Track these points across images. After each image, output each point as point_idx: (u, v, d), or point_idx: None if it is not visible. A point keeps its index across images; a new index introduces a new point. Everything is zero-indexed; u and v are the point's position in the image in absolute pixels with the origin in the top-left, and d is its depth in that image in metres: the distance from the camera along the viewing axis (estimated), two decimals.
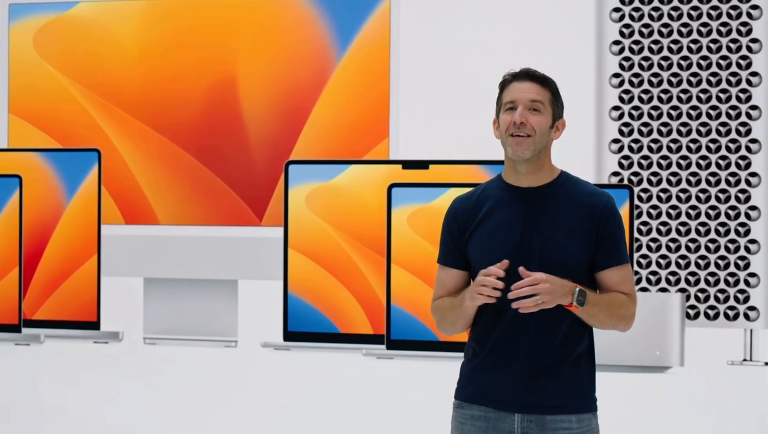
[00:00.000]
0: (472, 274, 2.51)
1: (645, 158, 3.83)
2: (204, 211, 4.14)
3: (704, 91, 3.79)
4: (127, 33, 4.18)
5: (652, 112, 3.82)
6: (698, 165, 3.79)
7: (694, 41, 3.80)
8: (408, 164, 3.74)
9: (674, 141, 3.82)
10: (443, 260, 2.55)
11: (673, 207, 3.81)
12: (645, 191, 3.83)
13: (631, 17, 3.83)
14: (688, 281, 3.78)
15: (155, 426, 4.66)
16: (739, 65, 3.76)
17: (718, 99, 3.78)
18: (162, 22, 4.17)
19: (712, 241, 3.78)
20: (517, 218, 2.46)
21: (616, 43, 3.85)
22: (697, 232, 3.79)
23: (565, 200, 2.46)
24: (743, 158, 3.77)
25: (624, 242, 2.49)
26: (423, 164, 3.73)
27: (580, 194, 2.48)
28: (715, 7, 3.78)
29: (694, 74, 3.80)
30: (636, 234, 3.81)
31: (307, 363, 4.34)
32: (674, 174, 3.81)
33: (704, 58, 3.78)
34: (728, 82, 3.77)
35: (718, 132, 3.79)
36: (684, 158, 3.81)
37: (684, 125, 3.81)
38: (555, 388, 2.43)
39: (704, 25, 3.79)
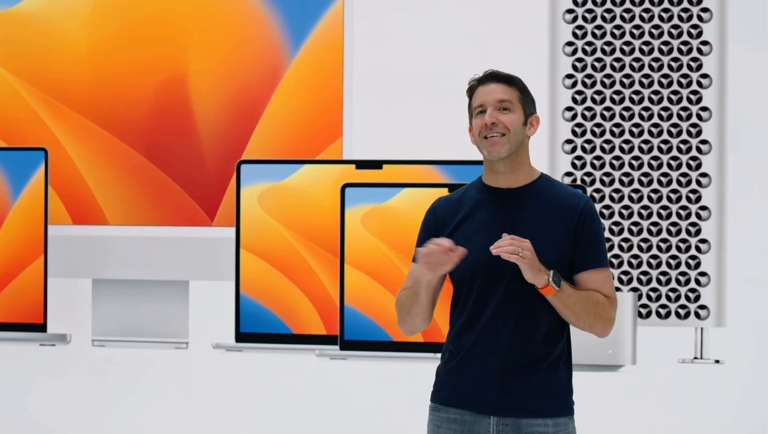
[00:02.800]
0: (451, 277, 2.53)
1: (598, 158, 3.90)
2: (154, 211, 4.13)
3: (656, 92, 3.87)
4: (74, 28, 4.16)
5: (605, 113, 3.89)
6: (650, 166, 3.87)
7: (646, 43, 3.88)
8: (361, 164, 3.77)
9: (626, 142, 3.89)
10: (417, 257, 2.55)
11: (626, 207, 3.88)
12: (598, 191, 3.90)
13: (584, 18, 3.90)
14: (640, 281, 3.86)
15: (104, 430, 4.64)
16: (690, 67, 3.85)
17: (670, 100, 3.86)
18: (111, 17, 4.15)
19: (664, 241, 3.86)
20: (496, 220, 2.48)
21: (569, 44, 3.91)
22: (649, 232, 3.87)
23: (543, 201, 2.49)
24: (694, 158, 3.86)
25: (603, 246, 2.51)
26: (376, 164, 3.76)
27: (559, 195, 2.50)
28: (666, 10, 3.87)
29: (646, 75, 3.88)
30: None
31: (260, 364, 4.35)
32: (626, 174, 3.89)
33: (656, 60, 3.87)
34: (679, 83, 3.86)
35: (670, 133, 3.87)
36: (636, 158, 3.88)
37: (636, 125, 3.89)
38: (531, 391, 2.45)
39: (656, 27, 3.87)
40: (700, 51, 3.85)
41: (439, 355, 3.62)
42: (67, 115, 4.17)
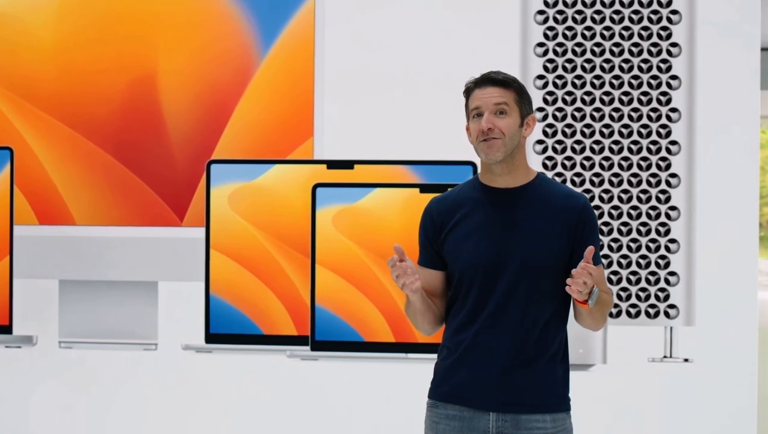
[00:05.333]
0: (450, 275, 2.59)
1: (569, 159, 3.97)
2: (122, 211, 4.15)
3: (626, 93, 3.95)
4: (40, 24, 4.16)
5: (576, 113, 3.97)
6: (620, 166, 3.95)
7: (617, 44, 3.95)
8: (333, 164, 3.81)
9: (597, 142, 3.97)
10: (421, 260, 2.62)
11: (596, 207, 3.96)
12: None
13: (555, 20, 3.97)
14: (610, 280, 3.94)
15: (72, 433, 4.65)
16: (659, 68, 3.93)
17: (640, 101, 3.94)
18: (78, 13, 4.16)
19: (634, 241, 3.94)
20: (493, 220, 2.53)
21: (540, 45, 3.98)
22: (619, 232, 3.95)
23: (541, 201, 2.54)
24: (663, 159, 3.94)
25: (598, 244, 2.58)
26: (348, 164, 3.81)
27: (557, 195, 2.55)
28: (636, 11, 3.95)
29: (617, 77, 3.95)
30: None
31: (230, 365, 4.38)
32: (597, 175, 3.96)
33: (626, 61, 3.95)
34: (649, 85, 3.94)
35: (640, 134, 3.95)
36: (606, 159, 3.96)
37: (606, 126, 3.96)
38: (530, 387, 2.52)
39: (626, 28, 3.95)
40: (669, 53, 3.94)
41: (410, 355, 3.69)
42: (33, 113, 4.18)
